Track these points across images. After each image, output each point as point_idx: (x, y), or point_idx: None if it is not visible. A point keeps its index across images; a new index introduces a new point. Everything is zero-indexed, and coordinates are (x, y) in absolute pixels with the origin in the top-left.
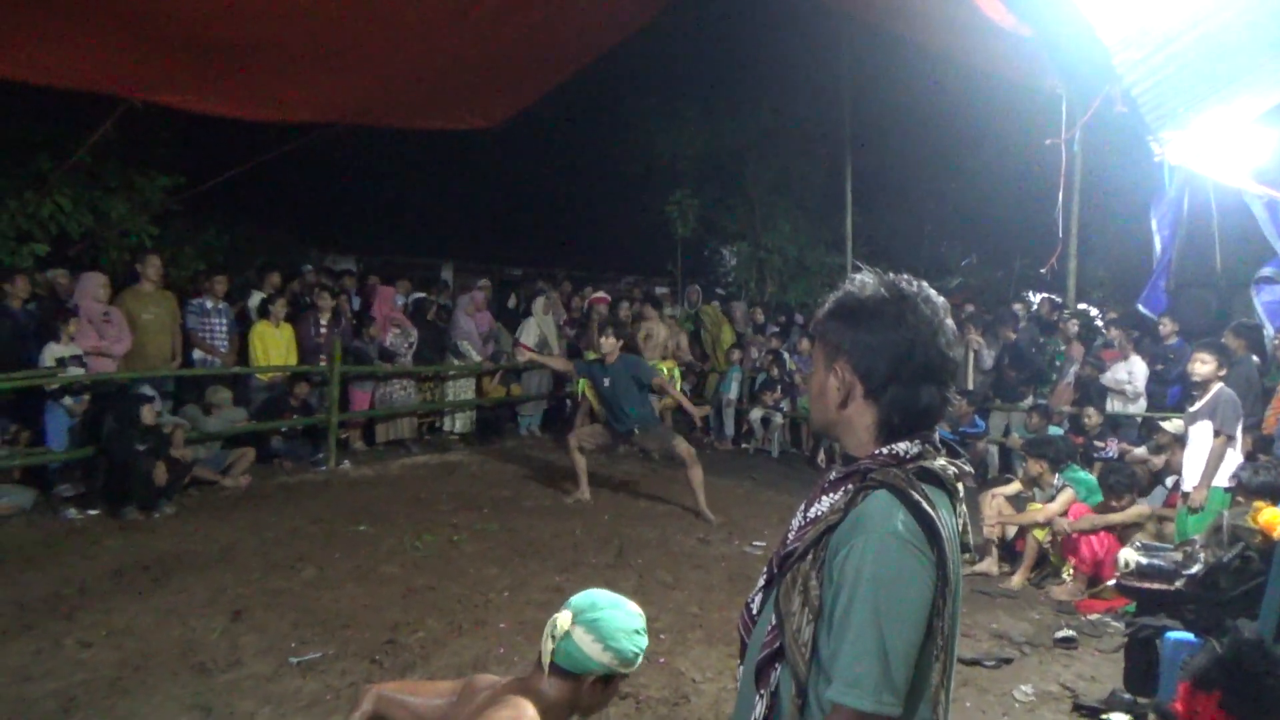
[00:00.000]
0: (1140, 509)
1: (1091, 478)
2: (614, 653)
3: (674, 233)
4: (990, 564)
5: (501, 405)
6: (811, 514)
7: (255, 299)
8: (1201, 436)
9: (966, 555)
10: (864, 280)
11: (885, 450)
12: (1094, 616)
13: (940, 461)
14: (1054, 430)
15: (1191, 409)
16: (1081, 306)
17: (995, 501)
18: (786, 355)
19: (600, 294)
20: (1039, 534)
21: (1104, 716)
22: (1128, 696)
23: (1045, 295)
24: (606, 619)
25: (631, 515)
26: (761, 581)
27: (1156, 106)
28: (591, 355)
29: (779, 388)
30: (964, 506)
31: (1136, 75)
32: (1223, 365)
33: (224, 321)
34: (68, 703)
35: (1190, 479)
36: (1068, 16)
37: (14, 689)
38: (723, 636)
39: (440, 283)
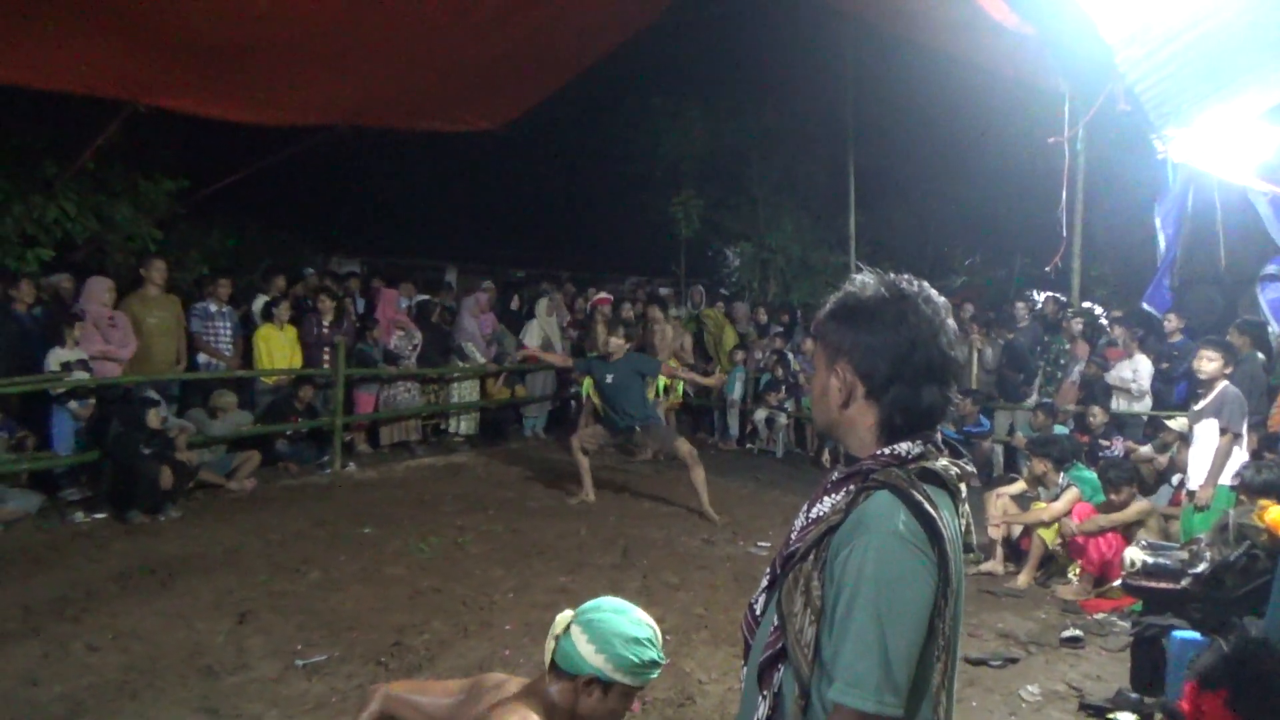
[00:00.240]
0: (1142, 505)
1: (1096, 476)
2: (606, 656)
3: (678, 233)
4: (996, 563)
5: (506, 407)
6: (813, 514)
7: (259, 302)
8: (1207, 434)
9: (969, 555)
10: (865, 280)
11: (887, 451)
12: (1100, 616)
13: (942, 462)
14: (1059, 429)
15: (1197, 407)
16: (1086, 305)
17: (1000, 501)
18: (791, 356)
19: (603, 295)
20: (1048, 536)
21: (1110, 716)
22: (1134, 696)
23: (1050, 294)
24: (603, 620)
25: (636, 516)
26: (765, 582)
27: (1159, 104)
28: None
29: (784, 388)
30: (966, 507)
31: (1139, 73)
32: (1228, 362)
33: (228, 325)
34: (75, 706)
35: (1196, 477)
36: (1070, 14)
37: (22, 693)
38: (728, 637)
39: (444, 285)
